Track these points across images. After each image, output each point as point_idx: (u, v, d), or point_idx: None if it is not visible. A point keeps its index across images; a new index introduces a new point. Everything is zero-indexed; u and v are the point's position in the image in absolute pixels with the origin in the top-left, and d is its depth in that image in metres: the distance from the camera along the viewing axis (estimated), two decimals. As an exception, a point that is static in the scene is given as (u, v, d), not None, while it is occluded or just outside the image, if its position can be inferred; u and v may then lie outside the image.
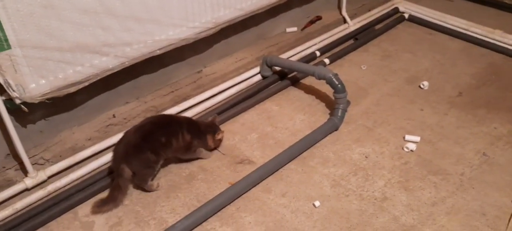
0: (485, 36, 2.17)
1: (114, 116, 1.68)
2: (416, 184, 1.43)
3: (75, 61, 1.36)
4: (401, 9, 2.44)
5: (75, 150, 1.56)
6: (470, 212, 1.33)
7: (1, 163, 1.47)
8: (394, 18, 2.40)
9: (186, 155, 1.52)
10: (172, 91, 1.82)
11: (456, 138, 1.61)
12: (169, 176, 1.50)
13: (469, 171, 1.47)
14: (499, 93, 1.82)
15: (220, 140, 1.57)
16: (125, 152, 1.37)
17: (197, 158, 1.55)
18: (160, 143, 1.40)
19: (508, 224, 1.28)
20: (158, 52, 1.57)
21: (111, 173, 1.47)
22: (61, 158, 1.54)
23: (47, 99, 1.37)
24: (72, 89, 1.41)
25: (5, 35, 1.20)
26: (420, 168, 1.49)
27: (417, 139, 1.59)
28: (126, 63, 1.50)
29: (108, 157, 1.54)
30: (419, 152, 1.55)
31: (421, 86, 1.87)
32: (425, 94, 1.84)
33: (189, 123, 1.51)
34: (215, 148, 1.58)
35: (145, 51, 1.52)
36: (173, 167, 1.53)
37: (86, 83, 1.44)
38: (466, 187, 1.41)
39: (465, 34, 2.21)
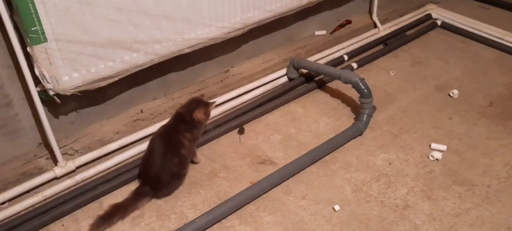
0: (521, 46, 2.10)
1: (142, 111, 1.73)
2: (440, 194, 1.40)
3: (107, 56, 1.41)
4: (434, 15, 2.39)
5: (103, 142, 1.62)
6: (495, 225, 1.29)
7: (33, 151, 1.53)
8: (426, 24, 2.36)
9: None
10: (199, 90, 1.85)
11: (485, 148, 1.56)
12: (192, 172, 1.52)
13: (496, 183, 1.43)
14: (533, 105, 1.76)
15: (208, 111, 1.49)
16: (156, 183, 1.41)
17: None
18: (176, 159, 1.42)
19: (534, 240, 1.24)
20: (187, 50, 1.60)
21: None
22: (89, 149, 1.59)
23: (79, 92, 1.42)
24: (103, 84, 1.46)
25: (42, 29, 1.25)
26: (445, 177, 1.46)
27: (444, 147, 1.56)
28: (156, 60, 1.53)
29: (134, 150, 1.59)
30: (445, 161, 1.52)
31: (451, 94, 1.83)
32: (454, 102, 1.80)
33: (181, 121, 1.46)
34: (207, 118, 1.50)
35: (174, 49, 1.55)
36: (196, 165, 1.56)
37: (116, 78, 1.48)
38: (492, 199, 1.37)
39: (500, 43, 2.15)
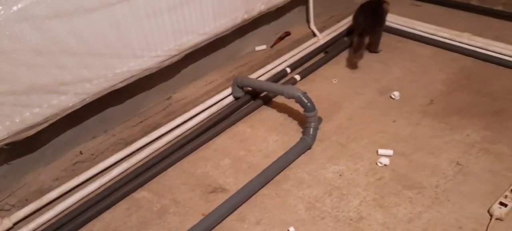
0: (454, 40, 2.18)
1: (81, 153, 1.63)
2: (391, 200, 1.41)
3: (32, 103, 1.31)
4: (370, 18, 2.43)
5: (41, 192, 1.51)
6: (447, 226, 1.31)
7: (-38, 214, 1.41)
8: (364, 27, 2.39)
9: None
10: (141, 121, 1.78)
11: (430, 148, 1.59)
12: (140, 211, 1.45)
13: (443, 183, 1.45)
14: (471, 99, 1.82)
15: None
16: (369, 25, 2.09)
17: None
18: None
19: (484, 236, 1.27)
20: (120, 85, 1.53)
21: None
22: (27, 202, 1.48)
23: (6, 144, 1.32)
24: (32, 132, 1.36)
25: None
26: (394, 183, 1.47)
27: (390, 152, 1.57)
28: (87, 99, 1.45)
29: (77, 196, 1.50)
30: (393, 166, 1.53)
31: (392, 96, 1.86)
32: (397, 104, 1.83)
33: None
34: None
35: (106, 86, 1.48)
36: (144, 201, 1.49)
37: (46, 124, 1.39)
38: (442, 200, 1.39)
39: (434, 39, 2.22)
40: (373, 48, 2.17)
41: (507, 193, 1.37)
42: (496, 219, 1.31)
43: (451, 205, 1.37)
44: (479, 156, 1.54)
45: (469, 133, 1.64)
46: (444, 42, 2.18)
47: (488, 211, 1.34)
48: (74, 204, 1.50)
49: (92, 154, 1.64)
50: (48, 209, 1.47)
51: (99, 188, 1.54)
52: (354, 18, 2.20)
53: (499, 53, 2.05)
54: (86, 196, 1.52)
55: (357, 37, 2.06)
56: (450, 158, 1.54)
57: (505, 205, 1.33)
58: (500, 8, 2.41)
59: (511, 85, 1.88)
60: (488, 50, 2.08)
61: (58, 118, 1.42)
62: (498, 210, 1.31)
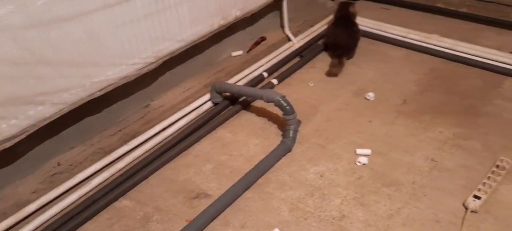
0: (423, 42, 2.26)
1: (59, 164, 1.60)
2: (371, 198, 1.45)
3: (8, 115, 1.28)
4: (343, 22, 2.49)
5: (19, 206, 1.47)
6: (425, 220, 1.36)
7: None
8: (337, 31, 2.45)
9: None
10: (120, 130, 1.76)
11: (405, 146, 1.65)
12: (123, 221, 1.44)
13: (420, 179, 1.50)
14: (442, 97, 1.89)
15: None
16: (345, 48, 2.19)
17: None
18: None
19: (461, 229, 1.32)
20: (98, 94, 1.51)
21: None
22: (5, 216, 1.44)
23: (-18, 158, 1.28)
24: (9, 144, 1.33)
25: None
26: (373, 181, 1.51)
27: (368, 151, 1.62)
28: (65, 109, 1.43)
29: (56, 208, 1.47)
30: (372, 164, 1.58)
31: (367, 98, 1.91)
32: (372, 105, 1.88)
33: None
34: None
35: (84, 95, 1.46)
36: (126, 210, 1.47)
37: (23, 136, 1.36)
38: (419, 196, 1.44)
39: (404, 41, 2.29)
40: (349, 58, 2.24)
41: (480, 186, 1.43)
42: (471, 211, 1.36)
43: (428, 200, 1.42)
44: (452, 152, 1.61)
45: (442, 130, 1.71)
46: (414, 44, 2.26)
47: (463, 204, 1.39)
48: (54, 216, 1.47)
49: (71, 165, 1.62)
50: (27, 223, 1.43)
51: (79, 199, 1.52)
52: (330, 38, 2.29)
53: (466, 53, 2.14)
54: (66, 207, 1.49)
55: (337, 59, 2.15)
56: (425, 155, 1.60)
57: (479, 198, 1.39)
58: (464, 10, 2.53)
59: (478, 83, 1.97)
60: (456, 51, 2.17)
61: (35, 129, 1.39)
62: (472, 203, 1.37)
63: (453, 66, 2.11)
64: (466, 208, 1.38)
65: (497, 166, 1.50)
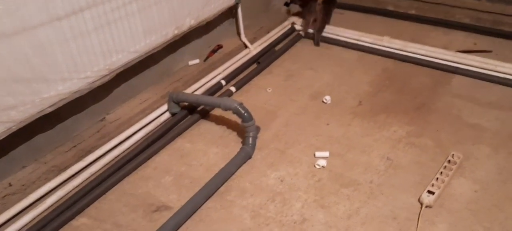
0: (376, 44, 2.32)
1: (10, 185, 1.53)
2: (331, 200, 1.47)
3: (-48, 137, 1.22)
4: (297, 27, 2.53)
5: (-31, 232, 1.40)
6: (383, 218, 1.39)
7: None
8: (292, 37, 2.48)
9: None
10: (75, 146, 1.71)
11: (362, 146, 1.69)
12: (80, 240, 1.39)
13: (377, 178, 1.54)
14: (394, 97, 1.95)
15: None
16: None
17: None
18: None
19: (417, 224, 1.36)
20: (49, 109, 1.46)
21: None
22: (-46, 245, 1.37)
23: None
24: (-48, 168, 1.26)
25: None
26: (332, 182, 1.54)
27: (327, 154, 1.64)
28: (14, 128, 1.37)
29: (8, 231, 1.41)
30: (330, 166, 1.61)
31: (324, 101, 1.95)
32: (329, 108, 1.92)
33: None
34: None
35: (34, 112, 1.41)
36: (84, 228, 1.43)
37: (-31, 159, 1.29)
38: (376, 194, 1.48)
39: (358, 44, 2.35)
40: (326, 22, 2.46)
41: (433, 181, 1.49)
42: (426, 206, 1.41)
43: (385, 198, 1.46)
44: (406, 149, 1.66)
45: (396, 129, 1.77)
46: (367, 46, 2.33)
47: (419, 200, 1.44)
48: (6, 240, 1.40)
49: (23, 185, 1.55)
50: (-23, 249, 1.36)
51: (33, 219, 1.46)
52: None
53: (416, 53, 2.22)
54: (20, 229, 1.43)
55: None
56: (380, 154, 1.64)
57: (433, 193, 1.44)
58: (413, 12, 2.63)
59: (428, 82, 2.05)
60: (406, 51, 2.25)
61: (-18, 150, 1.32)
62: (427, 198, 1.42)
63: (404, 66, 2.18)
64: (421, 204, 1.43)
65: (449, 161, 1.57)
